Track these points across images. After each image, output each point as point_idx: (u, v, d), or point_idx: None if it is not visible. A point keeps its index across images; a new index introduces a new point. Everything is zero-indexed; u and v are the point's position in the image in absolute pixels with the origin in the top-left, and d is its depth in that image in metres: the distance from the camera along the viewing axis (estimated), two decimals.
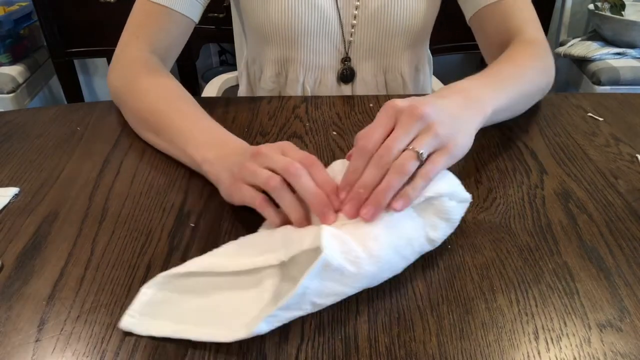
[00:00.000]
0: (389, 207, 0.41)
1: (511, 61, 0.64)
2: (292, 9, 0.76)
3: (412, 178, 0.42)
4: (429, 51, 0.94)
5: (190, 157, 0.55)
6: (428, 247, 0.44)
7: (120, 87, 0.67)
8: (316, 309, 0.39)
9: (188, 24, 0.73)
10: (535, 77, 0.66)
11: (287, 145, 0.48)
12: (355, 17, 0.78)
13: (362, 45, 0.81)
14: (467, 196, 0.46)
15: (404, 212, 0.42)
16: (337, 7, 0.78)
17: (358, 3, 0.77)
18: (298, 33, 0.78)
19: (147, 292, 0.40)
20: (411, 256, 0.43)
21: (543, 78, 0.68)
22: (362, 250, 0.39)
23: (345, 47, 0.81)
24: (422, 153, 0.42)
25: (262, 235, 0.45)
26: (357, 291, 0.40)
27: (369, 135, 0.43)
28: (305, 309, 0.38)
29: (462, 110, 0.49)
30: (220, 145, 0.54)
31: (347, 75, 0.83)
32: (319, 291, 0.38)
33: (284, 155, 0.46)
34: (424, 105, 0.44)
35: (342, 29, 0.79)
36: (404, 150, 0.42)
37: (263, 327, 0.37)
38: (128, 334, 0.38)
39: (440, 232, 0.44)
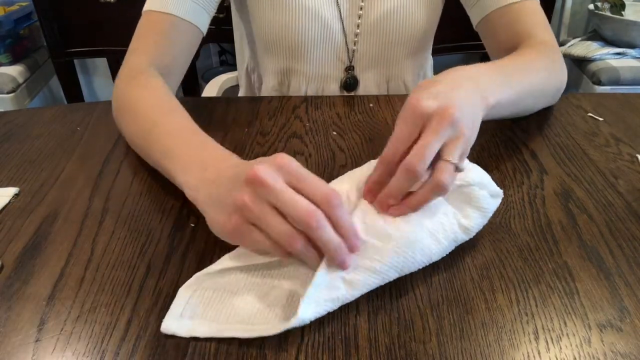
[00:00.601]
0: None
1: (519, 57, 0.63)
2: (294, 21, 0.75)
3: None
4: (431, 57, 0.94)
5: (174, 180, 0.49)
6: (463, 236, 0.44)
7: (119, 107, 0.63)
8: (354, 292, 0.39)
9: (194, 33, 0.69)
10: (544, 75, 0.64)
11: (293, 168, 0.38)
12: (358, 26, 0.78)
13: (365, 54, 0.81)
14: (499, 190, 0.47)
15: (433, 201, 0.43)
16: (341, 17, 0.77)
17: (361, 12, 0.77)
18: (301, 45, 0.78)
19: (184, 295, 0.40)
20: (444, 240, 0.43)
21: (551, 78, 0.66)
22: (389, 226, 0.40)
23: (349, 56, 0.81)
24: (458, 164, 0.40)
25: None
26: (393, 273, 0.41)
27: (396, 143, 0.40)
28: (340, 289, 0.39)
29: (474, 102, 0.46)
30: (203, 166, 0.45)
31: (350, 84, 0.83)
32: None
33: (291, 184, 0.38)
34: (454, 109, 0.40)
35: (345, 38, 0.79)
36: (436, 160, 0.40)
37: (307, 313, 0.37)
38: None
39: (473, 220, 0.45)
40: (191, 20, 0.68)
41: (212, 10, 0.72)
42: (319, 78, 0.83)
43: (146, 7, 0.69)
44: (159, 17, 0.67)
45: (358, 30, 0.79)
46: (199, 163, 0.46)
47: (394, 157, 0.40)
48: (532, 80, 0.61)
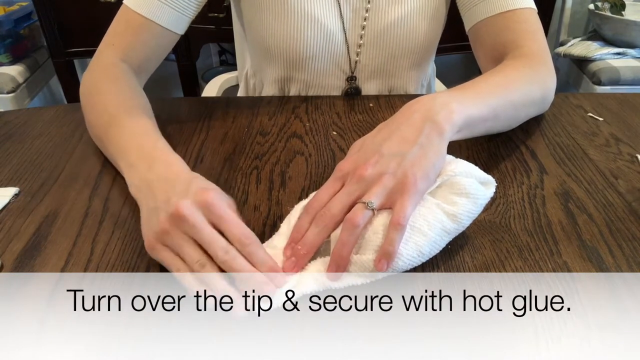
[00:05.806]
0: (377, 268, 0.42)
1: (497, 72, 0.61)
2: (297, 31, 0.74)
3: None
4: (434, 63, 0.94)
5: (124, 176, 0.53)
6: (452, 224, 0.44)
7: (85, 93, 0.65)
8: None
9: (170, 37, 0.69)
10: (524, 87, 0.62)
11: (215, 208, 0.42)
12: (361, 37, 0.77)
13: (368, 65, 0.80)
14: (489, 178, 0.46)
15: None
16: (344, 28, 0.76)
17: (365, 23, 0.76)
18: (302, 54, 0.77)
19: None
20: (430, 231, 0.42)
21: (535, 89, 0.64)
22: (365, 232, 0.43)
23: (351, 67, 0.80)
24: (369, 202, 0.42)
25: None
26: (382, 275, 0.42)
27: (317, 196, 0.45)
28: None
29: (417, 136, 0.46)
30: (148, 166, 0.49)
31: (352, 93, 0.82)
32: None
33: (212, 221, 0.42)
34: (365, 166, 0.45)
35: (347, 49, 0.78)
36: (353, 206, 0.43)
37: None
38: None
39: (461, 207, 0.44)
40: (166, 26, 0.68)
41: (192, 13, 0.71)
42: (320, 87, 0.82)
43: (126, 0, 0.69)
44: (135, 16, 0.67)
45: (361, 42, 0.78)
46: (144, 163, 0.50)
47: (315, 206, 0.45)
48: (511, 93, 0.59)
